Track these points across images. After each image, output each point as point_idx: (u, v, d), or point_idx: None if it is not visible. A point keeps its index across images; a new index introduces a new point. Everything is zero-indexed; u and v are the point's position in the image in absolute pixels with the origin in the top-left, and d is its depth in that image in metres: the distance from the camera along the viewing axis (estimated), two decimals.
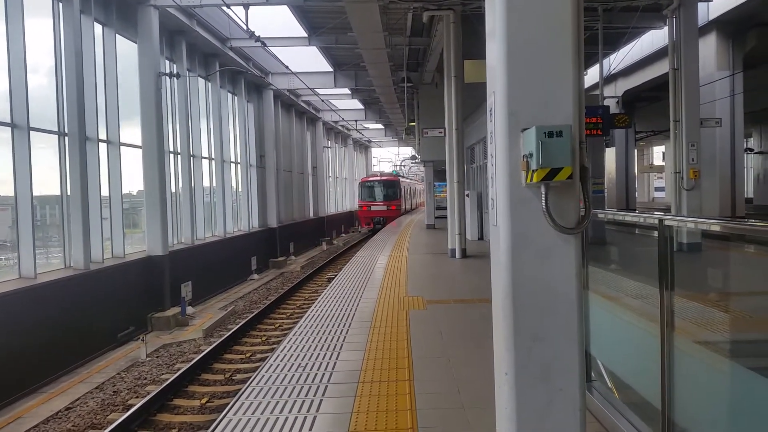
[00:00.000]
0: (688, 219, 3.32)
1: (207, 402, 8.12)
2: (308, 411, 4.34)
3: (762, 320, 3.27)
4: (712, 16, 17.35)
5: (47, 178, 11.29)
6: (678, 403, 2.93)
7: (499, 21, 2.86)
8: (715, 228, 2.91)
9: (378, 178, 36.08)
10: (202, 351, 10.34)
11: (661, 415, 3.00)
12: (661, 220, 2.91)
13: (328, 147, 36.70)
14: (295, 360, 5.65)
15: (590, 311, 4.18)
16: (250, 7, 14.03)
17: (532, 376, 2.84)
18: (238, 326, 11.94)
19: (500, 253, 2.93)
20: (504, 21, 2.83)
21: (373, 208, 33.22)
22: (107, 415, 7.85)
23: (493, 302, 3.14)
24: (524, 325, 2.85)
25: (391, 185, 34.68)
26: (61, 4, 11.07)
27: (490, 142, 3.12)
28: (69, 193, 11.28)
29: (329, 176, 37.70)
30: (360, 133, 41.82)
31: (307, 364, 5.51)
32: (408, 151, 55.03)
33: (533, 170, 2.69)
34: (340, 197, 41.80)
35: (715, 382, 2.82)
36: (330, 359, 5.64)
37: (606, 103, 17.92)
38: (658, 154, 53.09)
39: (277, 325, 12.53)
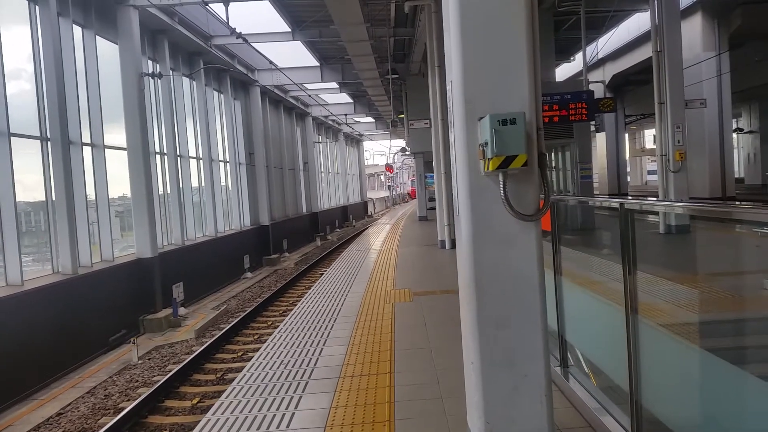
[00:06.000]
0: (649, 202, 3.31)
1: (198, 402, 8.12)
2: (287, 408, 4.33)
3: (731, 300, 3.27)
4: None
5: (32, 184, 11.22)
6: (645, 385, 2.93)
7: (453, 10, 2.84)
8: (679, 211, 2.91)
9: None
10: (194, 351, 10.33)
11: (629, 398, 3.00)
12: (621, 204, 2.90)
13: (318, 142, 36.68)
14: (278, 357, 5.65)
15: (565, 298, 4.18)
16: (231, 3, 13.93)
17: (497, 362, 2.84)
18: (230, 325, 11.92)
19: (463, 242, 2.93)
20: (457, 10, 2.81)
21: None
22: (98, 420, 7.84)
23: (459, 291, 3.14)
24: (488, 313, 2.85)
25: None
26: (37, 7, 10.94)
27: (451, 131, 3.11)
28: (54, 198, 11.20)
29: (321, 171, 37.66)
30: (350, 127, 41.72)
31: (289, 360, 5.51)
32: (400, 143, 57.91)
33: (489, 159, 2.68)
34: (334, 192, 41.72)
35: (678, 364, 2.82)
36: (313, 355, 5.63)
37: (592, 87, 17.90)
38: (650, 137, 53.11)
39: (269, 323, 12.52)
